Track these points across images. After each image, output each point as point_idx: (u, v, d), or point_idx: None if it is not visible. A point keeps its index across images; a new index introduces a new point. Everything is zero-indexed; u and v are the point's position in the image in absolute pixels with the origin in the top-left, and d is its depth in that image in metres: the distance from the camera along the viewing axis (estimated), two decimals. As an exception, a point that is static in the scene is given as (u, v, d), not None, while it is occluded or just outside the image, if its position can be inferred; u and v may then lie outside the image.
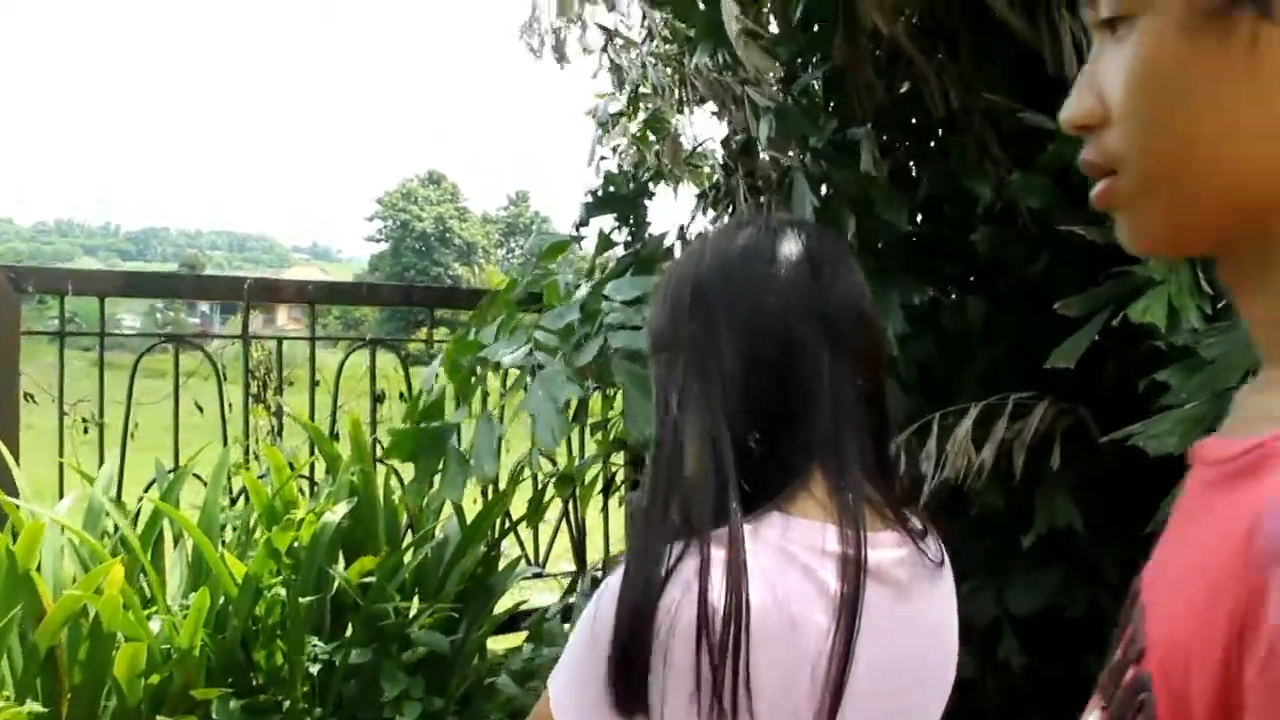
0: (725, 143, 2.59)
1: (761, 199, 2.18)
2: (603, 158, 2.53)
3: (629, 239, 2.51)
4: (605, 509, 3.53)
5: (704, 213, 2.71)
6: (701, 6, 2.06)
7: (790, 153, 1.93)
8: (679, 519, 0.91)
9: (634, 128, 2.52)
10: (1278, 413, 0.48)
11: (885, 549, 0.94)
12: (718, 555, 0.86)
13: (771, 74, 1.86)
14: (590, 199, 2.46)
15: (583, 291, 2.22)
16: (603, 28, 2.87)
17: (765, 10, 2.28)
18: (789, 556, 0.89)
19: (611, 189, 2.40)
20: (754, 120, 1.92)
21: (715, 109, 2.43)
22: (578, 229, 2.51)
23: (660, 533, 0.91)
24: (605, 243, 2.53)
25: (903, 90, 2.20)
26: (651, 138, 2.53)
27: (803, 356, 0.95)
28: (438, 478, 2.36)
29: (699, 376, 0.97)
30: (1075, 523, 1.69)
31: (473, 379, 2.47)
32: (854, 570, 0.89)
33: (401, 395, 3.43)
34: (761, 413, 0.94)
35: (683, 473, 0.94)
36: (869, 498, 0.94)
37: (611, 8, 2.41)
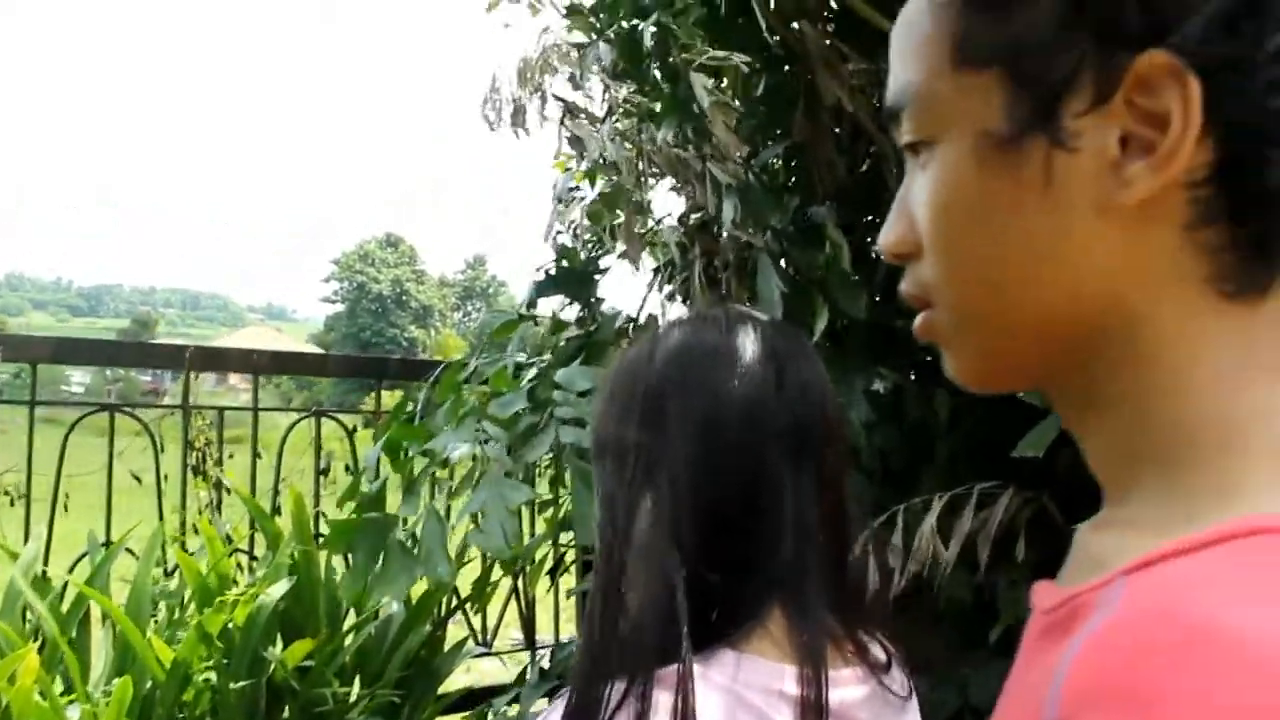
0: (682, 220, 2.56)
1: (721, 277, 2.14)
2: (559, 232, 2.48)
3: (581, 316, 2.45)
4: (555, 584, 3.44)
5: (658, 290, 2.66)
6: (661, 83, 2.03)
7: (751, 231, 1.89)
8: (621, 656, 0.82)
9: (588, 202, 2.47)
10: (1108, 557, 0.45)
11: (847, 687, 0.86)
12: (663, 700, 0.78)
13: (736, 151, 1.83)
14: (542, 276, 2.41)
15: (531, 374, 2.15)
16: (560, 99, 2.85)
17: (723, 85, 2.26)
18: (741, 701, 0.80)
19: (565, 264, 2.34)
20: (714, 198, 1.88)
21: (674, 185, 2.40)
22: (528, 308, 2.44)
23: (602, 668, 0.81)
24: (558, 325, 2.46)
25: (864, 169, 2.19)
26: (613, 214, 2.49)
27: (764, 476, 0.86)
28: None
29: (647, 491, 0.87)
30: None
31: (417, 471, 2.36)
32: (814, 715, 0.81)
33: (347, 468, 3.33)
34: (717, 538, 0.85)
35: (625, 604, 0.85)
36: (830, 632, 0.86)
37: (577, 86, 2.38)
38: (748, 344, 0.91)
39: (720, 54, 1.81)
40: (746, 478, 0.86)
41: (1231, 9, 0.43)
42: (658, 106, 2.08)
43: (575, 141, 2.90)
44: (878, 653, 0.91)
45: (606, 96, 2.41)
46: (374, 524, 2.13)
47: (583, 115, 2.72)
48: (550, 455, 1.99)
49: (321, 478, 3.28)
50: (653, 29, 1.92)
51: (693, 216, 2.54)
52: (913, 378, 1.75)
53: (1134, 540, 0.45)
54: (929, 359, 1.91)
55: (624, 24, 2.37)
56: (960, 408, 1.88)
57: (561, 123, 2.88)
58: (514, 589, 3.42)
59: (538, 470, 2.51)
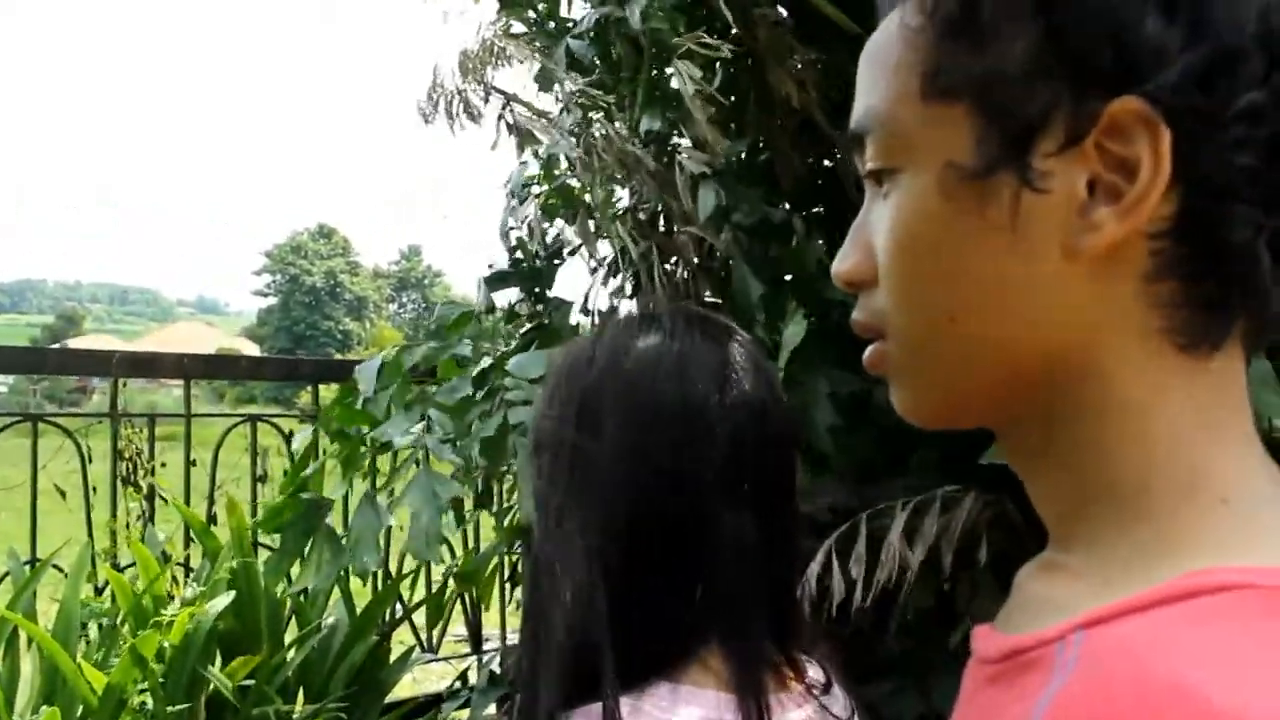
0: (629, 214, 2.50)
1: (679, 275, 2.09)
2: (512, 227, 2.41)
3: (534, 310, 2.39)
4: (503, 590, 3.38)
5: (604, 284, 2.60)
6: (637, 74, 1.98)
7: (712, 227, 1.84)
8: (550, 687, 0.78)
9: (540, 195, 2.41)
10: (1058, 607, 0.45)
11: (785, 709, 0.82)
12: None
13: (717, 142, 1.77)
14: (494, 272, 2.34)
15: (481, 365, 2.08)
16: (501, 92, 2.78)
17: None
18: None
19: (519, 259, 2.28)
20: (686, 191, 1.82)
21: (620, 179, 2.34)
22: (487, 310, 2.37)
23: (535, 699, 0.79)
24: (511, 316, 2.40)
25: (825, 164, 2.15)
26: (568, 209, 2.42)
27: (702, 497, 0.81)
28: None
29: (579, 500, 0.82)
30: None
31: (360, 449, 2.28)
32: None
33: (285, 472, 3.24)
34: (648, 560, 0.80)
35: (552, 635, 0.80)
36: (768, 658, 0.83)
37: (545, 86, 2.30)
38: (696, 353, 0.85)
39: (711, 41, 1.75)
40: (683, 496, 0.81)
41: (1207, 63, 0.43)
42: (612, 99, 2.02)
43: (519, 133, 2.83)
44: (816, 674, 0.88)
45: (558, 90, 2.34)
46: (307, 506, 2.05)
47: (526, 108, 2.65)
48: (493, 450, 1.93)
49: (259, 485, 3.18)
50: (639, 15, 1.85)
51: (639, 211, 2.49)
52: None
53: (1085, 590, 0.45)
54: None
55: (580, 13, 2.32)
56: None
57: (500, 116, 2.81)
58: (456, 592, 3.35)
59: (495, 477, 2.44)
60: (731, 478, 0.82)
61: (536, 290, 2.33)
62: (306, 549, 2.12)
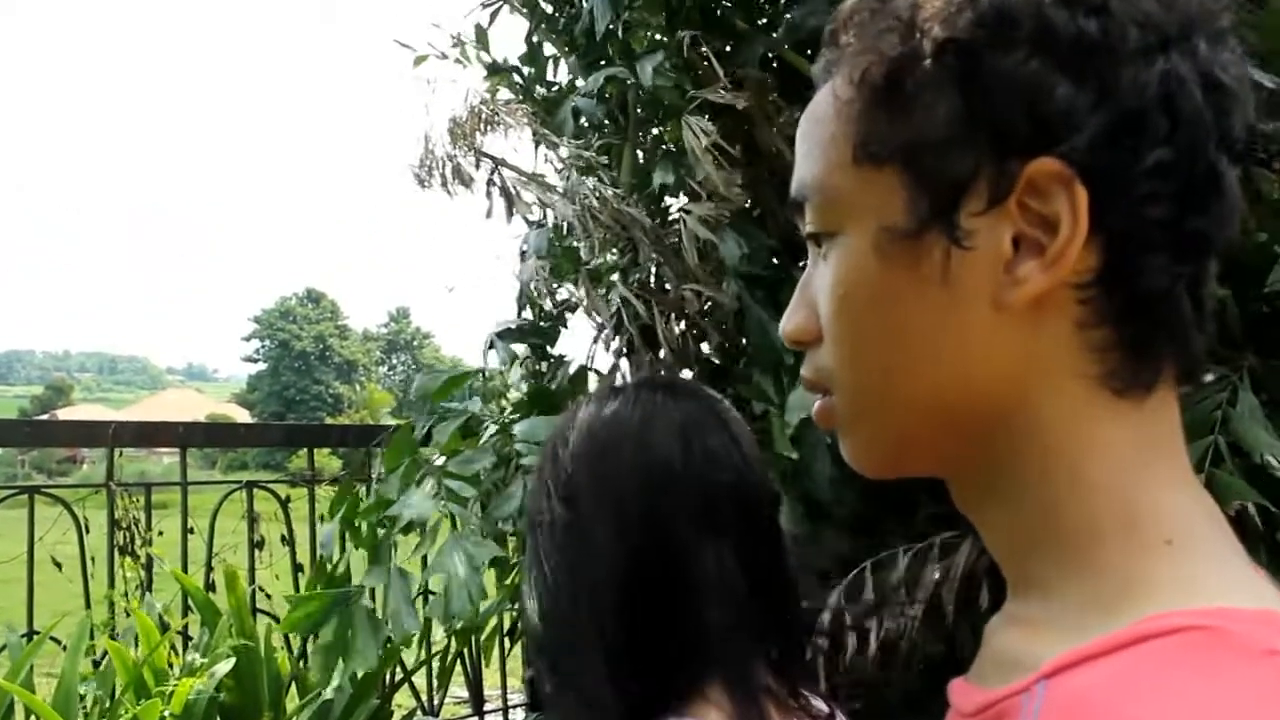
0: (624, 274, 2.52)
1: (681, 333, 2.11)
2: (524, 285, 2.45)
3: (536, 368, 2.42)
4: (502, 645, 3.36)
5: (606, 348, 2.62)
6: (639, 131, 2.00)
7: (715, 281, 1.87)
8: None
9: (542, 256, 2.44)
10: (1021, 657, 0.47)
11: None
12: None
13: (733, 190, 1.81)
14: (504, 327, 2.37)
15: (491, 432, 2.10)
16: (490, 157, 2.82)
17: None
18: None
19: (526, 317, 2.32)
20: (692, 247, 1.85)
21: (613, 240, 2.37)
22: (486, 357, 2.40)
23: None
24: (534, 374, 2.43)
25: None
26: (573, 272, 2.46)
27: (683, 550, 0.88)
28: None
29: (569, 572, 0.90)
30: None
31: (379, 534, 2.28)
32: None
33: (283, 538, 3.23)
34: (640, 615, 0.87)
35: (560, 688, 0.88)
36: (770, 690, 0.88)
37: (551, 144, 2.34)
38: (656, 416, 0.92)
39: (725, 96, 1.79)
40: (659, 551, 0.87)
41: (1115, 124, 0.46)
42: (606, 160, 2.05)
43: (507, 197, 2.87)
44: (820, 706, 0.92)
45: (554, 153, 2.38)
46: (339, 600, 2.05)
47: (515, 171, 2.69)
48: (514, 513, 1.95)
49: (256, 550, 3.17)
50: (649, 74, 1.89)
51: (634, 271, 2.52)
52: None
53: (1045, 639, 0.46)
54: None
55: (566, 77, 2.36)
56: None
57: (490, 181, 2.85)
58: (458, 652, 3.33)
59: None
60: (705, 527, 0.88)
61: (541, 348, 2.36)
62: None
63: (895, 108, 0.49)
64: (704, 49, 1.99)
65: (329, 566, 2.28)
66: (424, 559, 2.32)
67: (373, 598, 2.24)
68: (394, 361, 61.64)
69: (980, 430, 0.50)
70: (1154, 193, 0.46)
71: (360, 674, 2.73)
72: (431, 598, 2.98)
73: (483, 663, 3.31)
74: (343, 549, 2.39)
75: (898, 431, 0.53)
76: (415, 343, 61.18)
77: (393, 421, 3.63)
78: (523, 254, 2.45)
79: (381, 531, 2.16)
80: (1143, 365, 0.48)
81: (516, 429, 2.01)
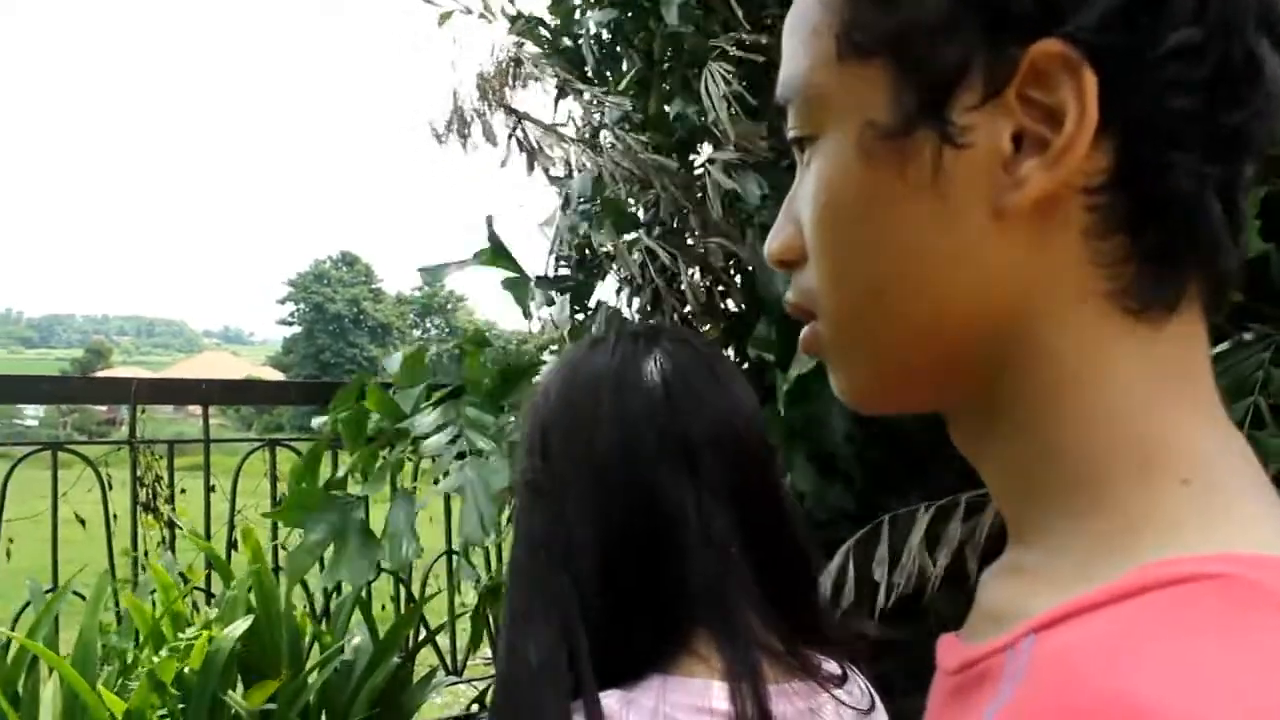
0: (648, 227, 2.48)
1: (705, 285, 2.07)
2: (562, 240, 2.43)
3: (574, 324, 2.40)
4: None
5: (628, 303, 2.58)
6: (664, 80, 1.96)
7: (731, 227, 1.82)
8: (532, 693, 0.82)
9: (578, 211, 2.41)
10: (1013, 610, 0.42)
11: (791, 700, 0.84)
12: None
13: (757, 137, 1.75)
14: (543, 278, 2.35)
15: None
16: (515, 111, 2.77)
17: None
18: None
19: (565, 268, 2.29)
20: (717, 196, 1.80)
21: (639, 194, 2.33)
22: (526, 312, 2.39)
23: (517, 707, 0.83)
24: (576, 332, 2.41)
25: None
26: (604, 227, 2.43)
27: (663, 498, 0.84)
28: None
29: (547, 528, 0.87)
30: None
31: (379, 455, 2.24)
32: None
33: (292, 473, 3.22)
34: (621, 569, 0.84)
35: (530, 640, 0.84)
36: (767, 646, 0.84)
37: (577, 93, 2.30)
38: (639, 365, 0.90)
39: (752, 37, 1.73)
40: (640, 499, 0.85)
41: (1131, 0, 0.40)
42: (629, 107, 2.00)
43: (529, 150, 2.82)
44: (830, 667, 0.89)
45: (579, 104, 2.34)
46: (335, 501, 2.02)
47: (538, 125, 2.64)
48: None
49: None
50: (675, 13, 1.84)
51: (658, 222, 2.47)
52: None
53: (1040, 590, 0.41)
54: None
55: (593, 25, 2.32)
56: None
57: (511, 134, 2.80)
58: (483, 611, 3.33)
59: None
60: (690, 474, 0.85)
61: (579, 298, 2.34)
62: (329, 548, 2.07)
63: None
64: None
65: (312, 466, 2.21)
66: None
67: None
68: (428, 325, 61.84)
69: (976, 357, 0.45)
70: (1178, 80, 0.40)
71: (285, 580, 2.66)
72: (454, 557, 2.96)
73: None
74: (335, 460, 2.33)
75: (888, 359, 0.47)
76: (449, 306, 61.33)
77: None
78: (565, 203, 2.41)
79: (385, 454, 2.12)
80: (1163, 281, 0.42)
81: (540, 374, 1.97)
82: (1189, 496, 0.40)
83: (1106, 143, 0.41)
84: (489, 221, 2.46)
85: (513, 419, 1.96)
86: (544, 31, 2.84)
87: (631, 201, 2.44)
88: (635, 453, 0.85)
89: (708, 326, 2.26)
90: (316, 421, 2.47)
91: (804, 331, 0.50)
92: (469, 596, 3.13)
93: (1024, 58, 0.41)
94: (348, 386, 2.31)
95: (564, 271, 2.70)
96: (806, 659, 0.87)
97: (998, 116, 0.42)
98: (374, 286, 58.36)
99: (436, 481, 2.19)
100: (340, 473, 2.42)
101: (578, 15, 2.76)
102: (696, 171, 2.36)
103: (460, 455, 1.96)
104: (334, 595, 3.01)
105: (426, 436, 2.05)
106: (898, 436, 1.67)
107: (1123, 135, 0.41)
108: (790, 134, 0.49)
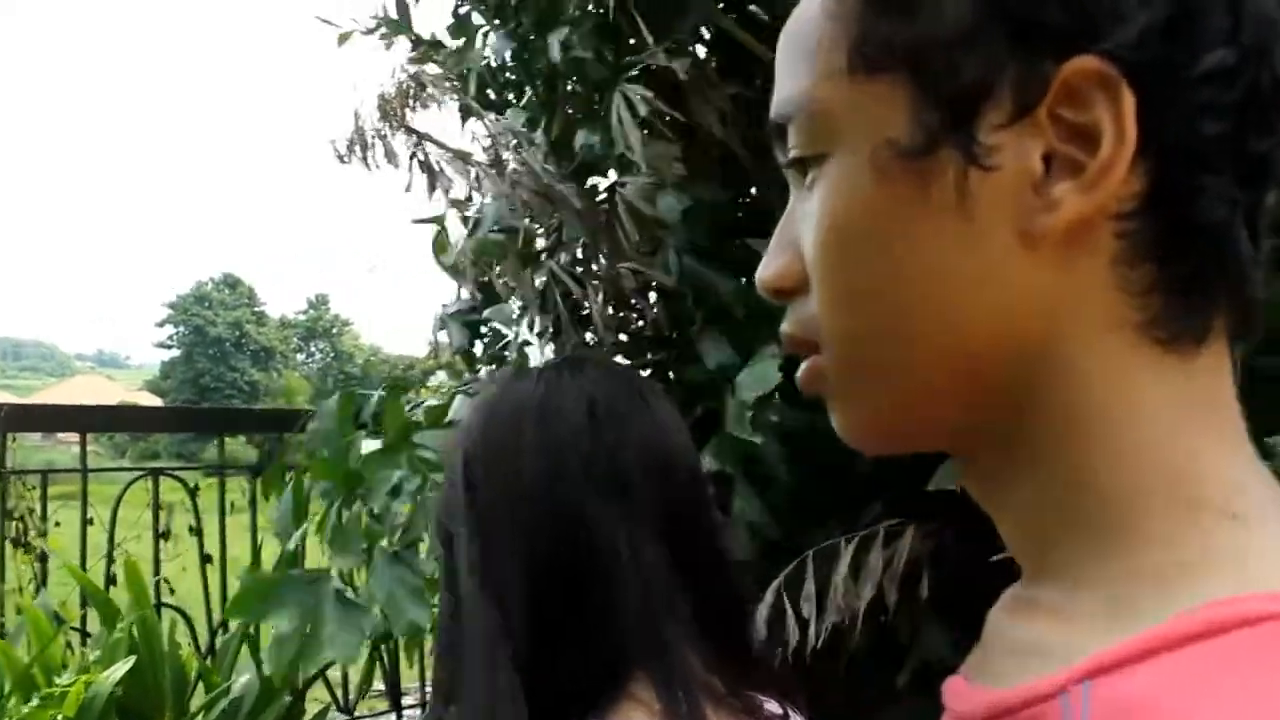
0: (550, 252, 2.44)
1: (610, 313, 2.03)
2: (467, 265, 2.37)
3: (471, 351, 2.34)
4: (421, 644, 3.25)
5: (530, 329, 2.54)
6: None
7: (650, 257, 1.79)
8: None
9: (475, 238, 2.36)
10: (1047, 652, 0.39)
11: None
12: None
13: (672, 162, 1.72)
14: (446, 313, 2.28)
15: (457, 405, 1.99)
16: (416, 132, 2.71)
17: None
18: None
19: (468, 299, 2.22)
20: (627, 220, 1.76)
21: (539, 218, 2.29)
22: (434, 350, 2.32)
23: None
24: (470, 360, 2.34)
25: (747, 200, 2.12)
26: (504, 253, 2.38)
27: (591, 529, 0.81)
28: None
29: (474, 564, 0.83)
30: (947, 654, 1.57)
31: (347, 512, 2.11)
32: None
33: (191, 528, 3.08)
34: (550, 604, 0.81)
35: (463, 690, 0.81)
36: (708, 687, 0.81)
37: (479, 115, 2.25)
38: (557, 393, 0.87)
39: (666, 62, 1.70)
40: (567, 530, 0.82)
41: (1170, 17, 0.38)
42: (538, 135, 1.96)
43: (431, 173, 2.77)
44: (772, 708, 0.87)
45: (478, 127, 2.29)
46: (299, 581, 1.87)
47: (440, 147, 2.59)
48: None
49: (162, 541, 3.03)
50: (558, 48, 1.80)
51: (561, 249, 2.43)
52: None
53: (1080, 631, 0.39)
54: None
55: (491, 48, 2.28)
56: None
57: (413, 157, 2.74)
58: (375, 648, 3.22)
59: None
60: (620, 504, 0.82)
61: (479, 328, 2.28)
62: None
63: (899, 3, 0.41)
64: (634, 16, 1.90)
65: (289, 551, 2.09)
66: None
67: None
68: (312, 349, 60.60)
69: (999, 389, 0.42)
70: (1210, 103, 0.38)
71: (270, 673, 2.59)
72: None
73: (401, 659, 3.20)
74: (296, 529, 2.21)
75: (900, 396, 0.44)
76: (334, 330, 60.22)
77: (305, 409, 3.48)
78: (474, 227, 2.36)
79: (348, 513, 1.99)
80: (1191, 312, 0.41)
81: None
82: (1242, 531, 0.38)
83: (1139, 166, 0.39)
84: None
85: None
86: (443, 54, 2.79)
87: (536, 227, 2.40)
88: (562, 482, 0.82)
89: (618, 355, 2.22)
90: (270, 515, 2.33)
91: (804, 367, 0.47)
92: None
93: (1056, 74, 0.39)
94: (275, 466, 2.19)
95: (464, 295, 2.64)
96: (749, 700, 0.84)
97: (1027, 136, 0.40)
98: (257, 309, 57.05)
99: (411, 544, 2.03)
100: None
101: (478, 40, 2.73)
102: (600, 197, 2.34)
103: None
104: (220, 632, 2.89)
105: (395, 492, 1.93)
106: (817, 465, 1.66)
107: (1155, 159, 0.39)
108: (791, 154, 0.46)
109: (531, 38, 2.31)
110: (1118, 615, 0.38)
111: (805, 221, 0.46)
